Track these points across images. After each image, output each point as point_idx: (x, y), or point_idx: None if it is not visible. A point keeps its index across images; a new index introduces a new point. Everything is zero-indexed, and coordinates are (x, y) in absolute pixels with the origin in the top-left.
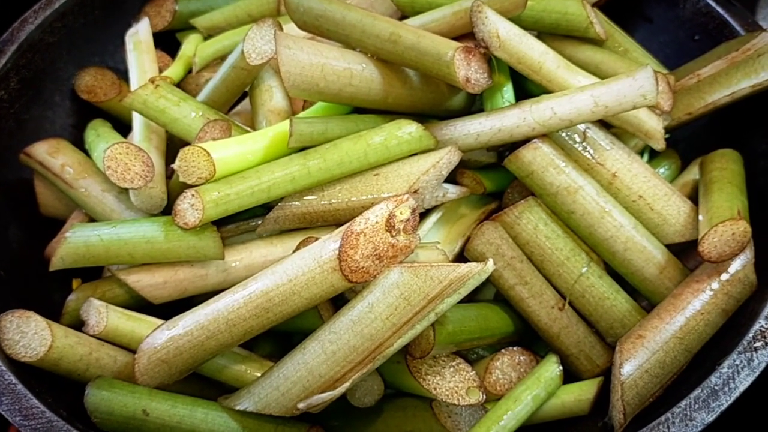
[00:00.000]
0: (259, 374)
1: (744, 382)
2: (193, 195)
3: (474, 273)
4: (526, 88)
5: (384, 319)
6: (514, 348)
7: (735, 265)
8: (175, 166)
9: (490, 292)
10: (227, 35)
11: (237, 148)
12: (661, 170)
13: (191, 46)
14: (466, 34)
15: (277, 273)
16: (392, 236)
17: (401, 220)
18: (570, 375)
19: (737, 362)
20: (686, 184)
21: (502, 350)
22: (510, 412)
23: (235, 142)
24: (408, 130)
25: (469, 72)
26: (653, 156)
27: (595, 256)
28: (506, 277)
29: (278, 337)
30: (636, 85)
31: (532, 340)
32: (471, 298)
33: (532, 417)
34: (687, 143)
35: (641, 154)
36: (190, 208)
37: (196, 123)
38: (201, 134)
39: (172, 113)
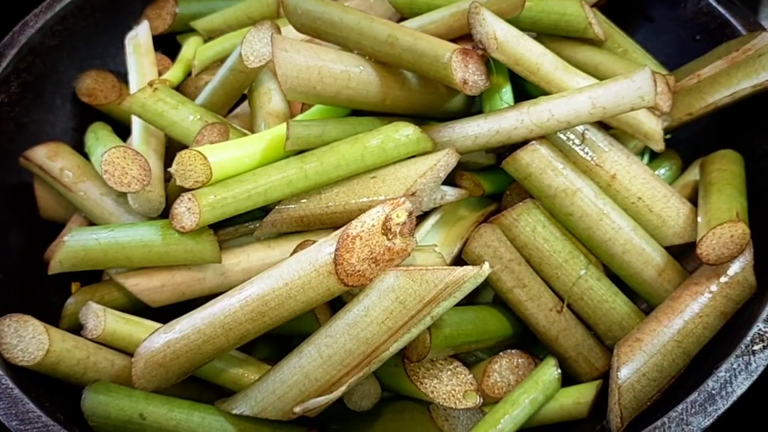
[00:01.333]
0: (256, 377)
1: (741, 386)
2: (189, 199)
3: (470, 276)
4: (526, 90)
5: (380, 322)
6: (513, 351)
7: (734, 268)
8: (172, 169)
9: (488, 295)
10: (227, 38)
11: (234, 152)
12: (662, 171)
13: (191, 49)
14: (464, 36)
15: (273, 277)
16: (388, 239)
17: (398, 223)
18: (568, 378)
19: (735, 366)
20: (687, 185)
21: (501, 353)
22: (507, 416)
23: (232, 146)
24: (405, 132)
25: (466, 74)
26: (654, 157)
27: (593, 259)
28: (504, 279)
29: (276, 340)
30: (634, 86)
31: (530, 342)
32: (470, 300)
33: (530, 420)
34: (688, 144)
35: (641, 155)
36: (187, 212)
37: (194, 126)
38: (198, 137)
39: (170, 116)
